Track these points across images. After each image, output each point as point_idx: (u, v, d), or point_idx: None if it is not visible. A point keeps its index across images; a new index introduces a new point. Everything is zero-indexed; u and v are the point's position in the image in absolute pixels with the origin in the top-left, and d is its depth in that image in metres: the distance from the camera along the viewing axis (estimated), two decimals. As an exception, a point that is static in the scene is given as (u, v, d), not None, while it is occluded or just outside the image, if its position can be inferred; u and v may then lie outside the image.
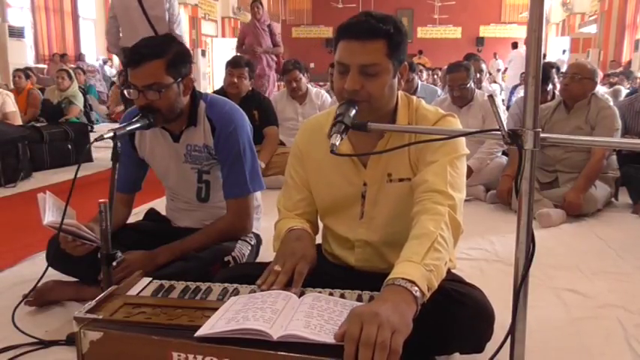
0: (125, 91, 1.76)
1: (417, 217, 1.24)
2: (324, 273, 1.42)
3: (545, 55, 10.73)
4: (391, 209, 1.41)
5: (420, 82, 4.92)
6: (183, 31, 4.45)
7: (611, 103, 3.41)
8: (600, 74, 3.54)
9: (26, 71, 7.27)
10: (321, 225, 1.58)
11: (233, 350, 0.98)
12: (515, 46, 14.28)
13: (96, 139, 1.52)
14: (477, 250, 2.60)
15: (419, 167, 1.35)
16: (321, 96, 4.63)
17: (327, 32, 22.48)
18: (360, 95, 1.29)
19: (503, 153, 3.74)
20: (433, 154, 1.32)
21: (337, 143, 1.16)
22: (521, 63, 13.75)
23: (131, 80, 1.72)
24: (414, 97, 1.45)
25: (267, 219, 1.98)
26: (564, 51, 15.02)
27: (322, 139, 1.42)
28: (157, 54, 1.69)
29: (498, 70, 14.89)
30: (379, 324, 0.93)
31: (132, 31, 4.13)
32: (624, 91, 7.09)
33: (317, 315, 1.05)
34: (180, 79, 1.76)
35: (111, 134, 1.48)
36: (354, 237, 1.46)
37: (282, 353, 0.95)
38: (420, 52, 18.03)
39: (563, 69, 5.07)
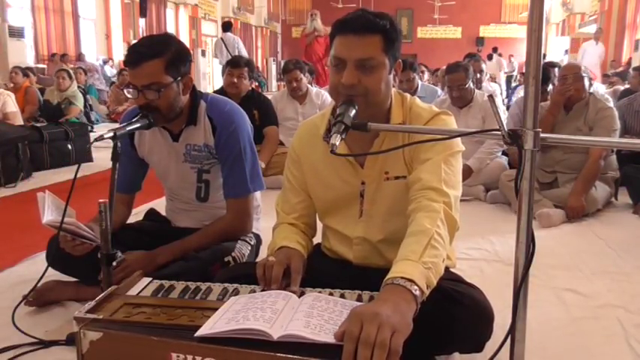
0: (125, 91, 1.76)
1: (413, 214, 1.24)
2: (324, 271, 1.42)
3: (545, 55, 10.74)
4: (389, 207, 1.41)
5: (420, 82, 4.92)
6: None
7: (611, 103, 3.40)
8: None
9: (25, 70, 7.27)
10: (320, 224, 1.58)
11: (232, 351, 0.97)
12: (495, 50, 15.54)
13: (96, 139, 1.52)
14: (477, 250, 2.60)
15: (413, 165, 1.36)
16: (322, 96, 4.62)
17: (327, 32, 22.46)
18: (357, 90, 1.29)
19: (504, 153, 3.74)
20: (427, 151, 1.32)
21: (337, 143, 1.16)
22: (497, 66, 13.88)
23: (130, 80, 1.71)
24: (408, 95, 1.45)
25: (267, 219, 1.98)
26: (566, 51, 15.05)
27: (318, 141, 1.43)
28: (155, 53, 1.69)
29: (508, 74, 14.97)
30: (379, 324, 0.93)
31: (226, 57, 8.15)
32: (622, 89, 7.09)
33: (317, 315, 1.05)
34: (179, 78, 1.75)
35: (111, 134, 1.48)
36: (353, 234, 1.47)
37: (281, 355, 0.95)
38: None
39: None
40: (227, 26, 9.90)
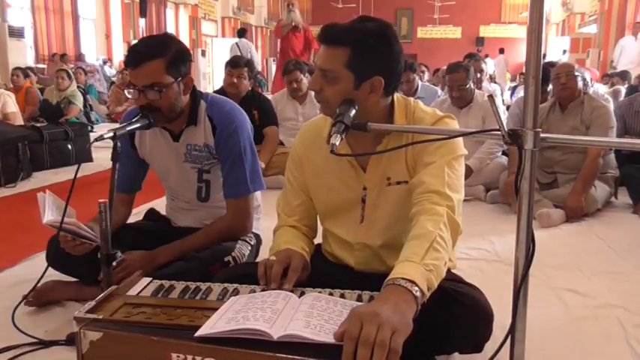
0: (125, 91, 1.76)
1: (416, 217, 1.24)
2: (324, 273, 1.42)
3: (544, 56, 10.66)
4: (391, 212, 1.41)
5: (420, 83, 4.92)
6: (257, 62, 9.27)
7: (609, 102, 3.40)
8: (588, 73, 3.49)
9: (26, 70, 7.27)
10: (321, 227, 1.58)
11: (232, 351, 0.98)
12: (501, 51, 16.01)
13: (96, 139, 1.52)
14: (477, 250, 2.60)
15: (416, 169, 1.35)
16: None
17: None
18: (319, 97, 1.34)
19: (503, 153, 3.74)
20: (430, 155, 1.32)
21: (337, 143, 1.16)
22: (505, 66, 13.86)
23: (131, 80, 1.71)
24: (412, 99, 1.44)
25: (267, 219, 1.98)
26: (564, 51, 15.05)
27: (321, 143, 1.42)
28: (156, 54, 1.69)
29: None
30: (379, 324, 0.93)
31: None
32: (624, 90, 7.09)
33: (317, 315, 1.05)
34: (180, 79, 1.75)
35: (111, 134, 1.48)
36: (354, 240, 1.46)
37: (281, 355, 0.95)
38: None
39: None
40: (242, 32, 10.78)
